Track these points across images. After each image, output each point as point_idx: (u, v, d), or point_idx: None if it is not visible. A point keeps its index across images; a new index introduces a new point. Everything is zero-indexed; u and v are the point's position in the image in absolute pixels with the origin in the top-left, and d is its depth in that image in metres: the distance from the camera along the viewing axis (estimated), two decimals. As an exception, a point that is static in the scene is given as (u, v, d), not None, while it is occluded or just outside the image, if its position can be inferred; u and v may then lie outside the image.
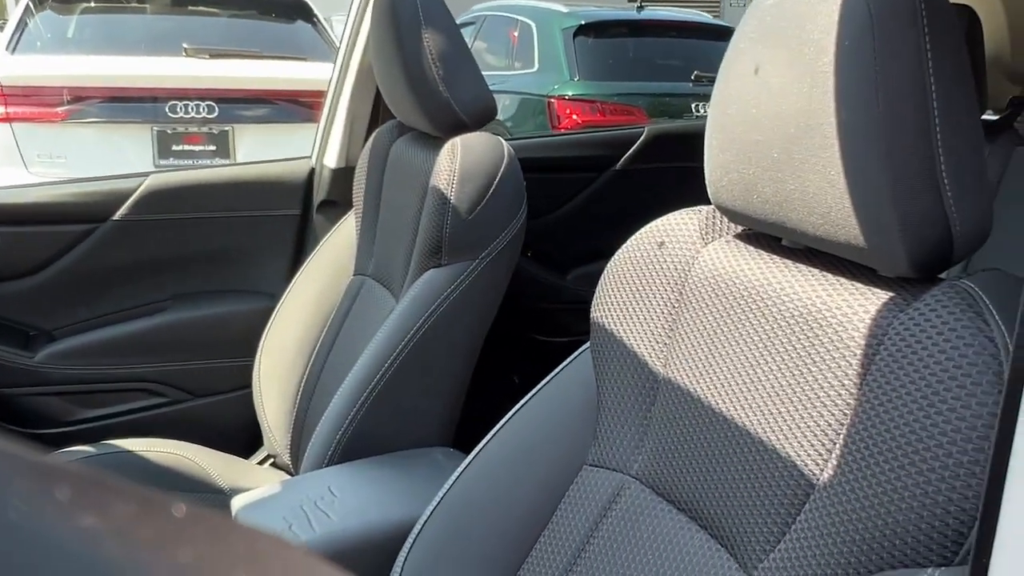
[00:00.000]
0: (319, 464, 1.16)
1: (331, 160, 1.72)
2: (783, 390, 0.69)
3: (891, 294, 0.63)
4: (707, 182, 0.76)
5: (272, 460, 1.61)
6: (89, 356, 1.65)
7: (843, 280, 0.68)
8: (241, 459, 1.64)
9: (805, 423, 0.67)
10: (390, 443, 1.17)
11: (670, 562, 0.75)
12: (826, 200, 0.63)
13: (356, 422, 1.16)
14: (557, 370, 0.97)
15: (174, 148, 3.48)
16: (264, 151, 3.37)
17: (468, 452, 0.98)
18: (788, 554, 0.66)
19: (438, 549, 0.95)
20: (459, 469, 0.96)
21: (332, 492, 1.07)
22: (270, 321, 1.58)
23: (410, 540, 0.96)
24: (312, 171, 1.76)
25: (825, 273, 0.69)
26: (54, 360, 1.62)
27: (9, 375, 1.60)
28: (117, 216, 1.62)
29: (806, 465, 0.66)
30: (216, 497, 1.47)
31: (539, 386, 0.97)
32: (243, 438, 1.69)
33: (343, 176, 1.68)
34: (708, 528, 0.74)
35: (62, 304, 1.63)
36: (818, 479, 0.65)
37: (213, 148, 3.54)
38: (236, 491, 1.45)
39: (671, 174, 1.77)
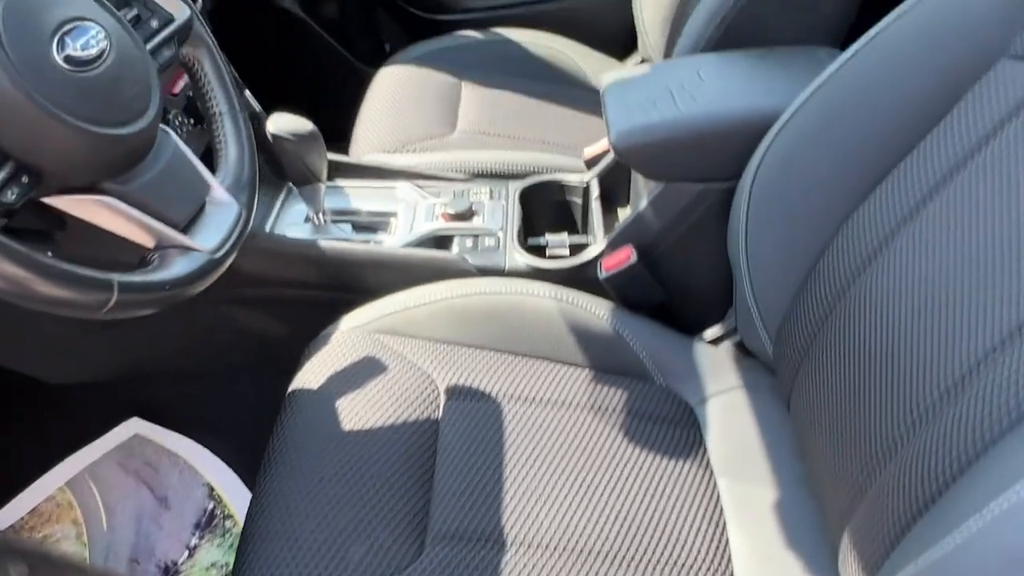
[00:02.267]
0: (691, 52, 1.11)
1: None
2: None
3: None
4: None
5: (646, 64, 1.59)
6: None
7: None
8: (615, 59, 1.64)
9: None
10: (770, 36, 1.08)
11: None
12: None
13: (735, 10, 1.07)
14: None
15: None
16: None
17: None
18: None
19: (808, 137, 0.88)
20: (842, 57, 0.86)
21: (700, 77, 1.02)
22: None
23: (776, 128, 0.90)
24: None
25: None
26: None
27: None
28: None
29: None
30: (586, 92, 1.51)
31: None
32: (620, 40, 1.68)
33: None
34: None
35: None
36: None
37: None
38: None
39: None
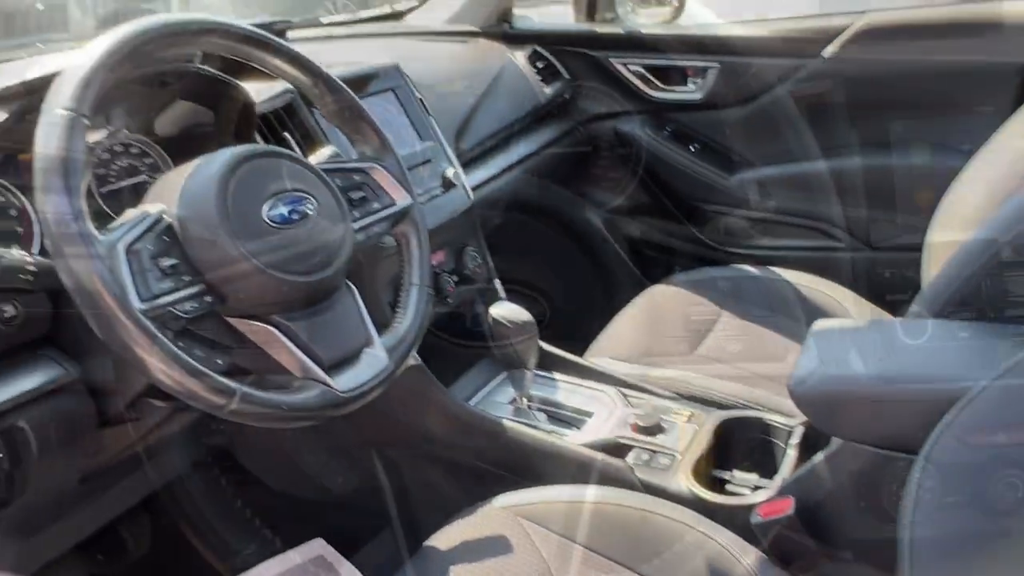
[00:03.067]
0: (919, 315, 1.05)
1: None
2: None
3: None
4: None
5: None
6: (777, 187, 1.74)
7: None
8: (888, 314, 1.56)
9: None
10: (1003, 310, 0.99)
11: None
12: None
13: (967, 282, 1.00)
14: None
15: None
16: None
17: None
18: None
19: (987, 424, 0.79)
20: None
21: (907, 339, 0.96)
22: (956, 181, 1.43)
23: (958, 406, 0.82)
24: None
25: None
26: (746, 185, 1.76)
27: (709, 192, 1.81)
28: (827, 54, 1.62)
29: None
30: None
31: None
32: (904, 296, 1.59)
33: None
34: None
35: (764, 134, 1.74)
36: None
37: None
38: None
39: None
